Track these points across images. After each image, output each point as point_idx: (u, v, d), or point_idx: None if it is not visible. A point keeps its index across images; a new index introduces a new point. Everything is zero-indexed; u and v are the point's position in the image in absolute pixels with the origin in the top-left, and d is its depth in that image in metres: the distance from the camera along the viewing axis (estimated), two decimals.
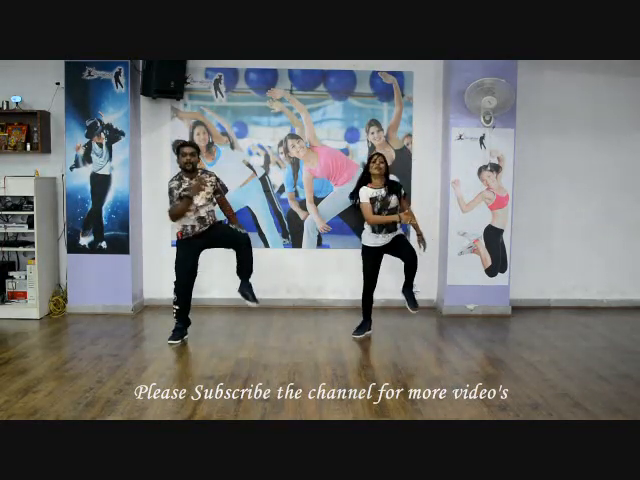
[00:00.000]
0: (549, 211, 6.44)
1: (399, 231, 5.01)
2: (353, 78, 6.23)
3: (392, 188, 4.97)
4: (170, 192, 4.81)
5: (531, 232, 6.39)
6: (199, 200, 4.80)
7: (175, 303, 4.98)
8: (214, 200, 4.99)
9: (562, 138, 6.35)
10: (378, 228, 4.91)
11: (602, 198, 6.44)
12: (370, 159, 5.00)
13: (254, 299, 4.96)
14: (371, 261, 5.03)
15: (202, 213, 4.84)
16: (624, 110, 6.35)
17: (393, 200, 4.92)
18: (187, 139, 6.20)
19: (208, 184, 4.89)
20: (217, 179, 5.01)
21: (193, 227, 4.83)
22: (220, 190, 5.04)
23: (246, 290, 4.95)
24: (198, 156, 4.92)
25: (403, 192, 5.05)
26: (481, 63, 5.78)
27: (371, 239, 4.96)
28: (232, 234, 4.94)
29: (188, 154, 4.79)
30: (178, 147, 4.91)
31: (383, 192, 4.91)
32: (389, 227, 4.91)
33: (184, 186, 4.77)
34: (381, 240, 4.93)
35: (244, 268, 4.96)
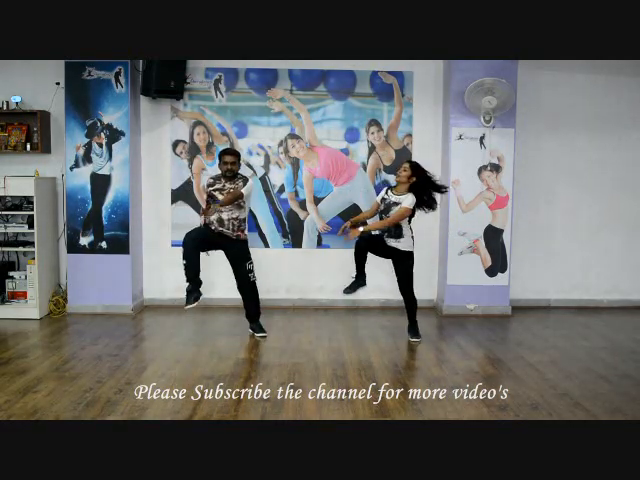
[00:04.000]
0: (549, 211, 6.44)
1: (400, 244, 4.88)
2: (353, 78, 6.23)
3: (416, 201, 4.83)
4: (203, 189, 5.04)
5: (531, 232, 6.40)
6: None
7: (183, 257, 4.91)
8: (242, 205, 5.03)
9: (562, 138, 6.36)
10: (380, 231, 4.93)
11: (602, 198, 6.44)
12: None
13: (261, 331, 5.23)
14: (376, 236, 4.96)
15: (223, 215, 4.95)
16: (624, 110, 6.35)
17: (395, 210, 4.84)
18: (187, 139, 6.22)
19: (239, 189, 4.98)
20: (251, 186, 5.08)
21: (211, 223, 4.97)
22: (243, 195, 5.00)
23: (255, 327, 5.25)
24: (239, 162, 5.12)
25: (411, 202, 4.81)
26: (481, 63, 5.78)
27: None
28: (241, 269, 5.07)
29: (229, 163, 4.98)
30: (220, 154, 5.10)
31: (393, 199, 4.86)
32: (391, 233, 4.87)
33: (217, 186, 5.01)
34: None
35: (250, 313, 5.23)
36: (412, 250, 4.95)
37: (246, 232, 5.13)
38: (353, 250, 5.03)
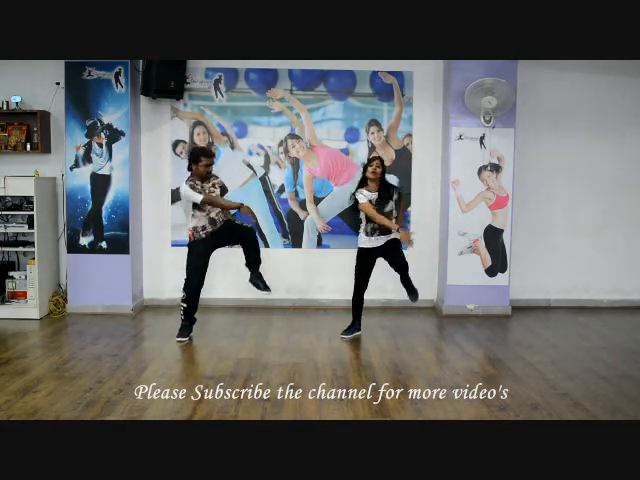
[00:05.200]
0: (549, 211, 6.43)
1: (394, 234, 5.00)
2: (353, 78, 6.23)
3: (387, 193, 4.99)
4: (192, 187, 4.80)
5: (531, 232, 6.39)
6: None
7: (183, 301, 5.00)
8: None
9: (562, 138, 6.35)
10: (371, 230, 4.96)
11: (602, 198, 6.44)
12: (368, 162, 5.05)
13: (266, 287, 5.08)
14: (364, 263, 5.06)
15: (213, 214, 4.91)
16: (624, 110, 6.34)
17: (389, 205, 4.97)
18: (187, 139, 6.21)
19: (217, 186, 5.00)
20: (222, 182, 5.15)
21: (204, 227, 4.90)
22: (224, 190, 5.16)
23: (257, 279, 5.07)
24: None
25: (399, 194, 5.08)
26: (481, 63, 5.78)
27: (365, 241, 5.01)
28: (239, 230, 5.02)
29: (209, 165, 4.88)
30: (198, 156, 4.85)
31: (375, 196, 4.95)
32: (382, 230, 4.94)
33: (198, 189, 4.83)
34: (374, 242, 4.98)
35: (252, 259, 5.06)
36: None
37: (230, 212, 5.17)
38: (352, 296, 5.14)
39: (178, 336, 5.01)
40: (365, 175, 4.99)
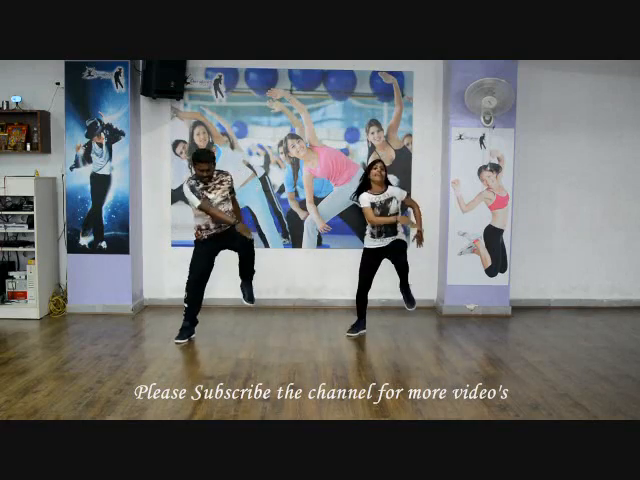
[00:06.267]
0: (549, 211, 6.43)
1: (400, 235, 5.05)
2: (353, 78, 6.23)
3: (391, 194, 5.04)
4: (192, 189, 4.75)
5: (531, 232, 6.40)
6: (216, 197, 4.83)
7: (185, 301, 4.99)
8: (228, 197, 4.97)
9: (562, 138, 6.35)
10: (377, 233, 4.99)
11: (602, 198, 6.44)
12: (371, 165, 5.06)
13: (250, 299, 5.14)
14: (368, 262, 5.09)
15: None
16: (624, 110, 6.34)
17: (393, 205, 4.99)
18: (187, 139, 6.21)
19: (224, 183, 4.92)
20: (232, 179, 5.02)
21: (208, 227, 4.85)
22: (234, 189, 5.06)
23: (245, 288, 5.14)
24: (214, 163, 4.86)
25: (405, 193, 5.16)
26: (481, 63, 5.78)
27: (371, 242, 5.05)
28: (239, 238, 4.89)
29: (205, 170, 4.74)
30: (193, 159, 4.82)
31: (382, 198, 4.98)
32: (387, 231, 4.97)
33: (201, 186, 4.79)
34: (379, 243, 5.00)
35: (247, 271, 5.11)
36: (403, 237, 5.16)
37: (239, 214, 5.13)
38: (356, 295, 5.18)
39: (177, 338, 4.99)
40: (368, 178, 5.01)
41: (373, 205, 4.96)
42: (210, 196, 4.81)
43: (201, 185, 4.81)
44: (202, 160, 4.76)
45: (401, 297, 5.34)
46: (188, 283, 4.97)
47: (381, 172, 4.98)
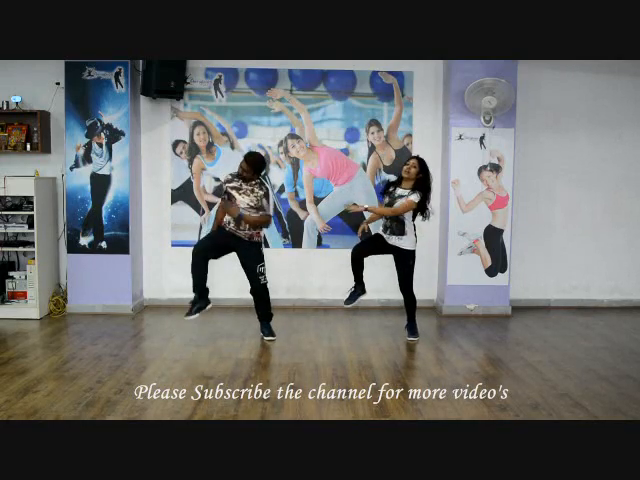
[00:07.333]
0: (549, 211, 6.44)
1: (405, 242, 4.88)
2: (353, 78, 6.23)
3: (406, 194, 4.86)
4: (224, 183, 5.06)
5: (531, 232, 6.40)
6: (241, 203, 4.90)
7: (191, 268, 4.96)
8: (256, 208, 4.95)
9: (562, 138, 6.35)
10: (383, 226, 4.97)
11: (602, 198, 6.44)
12: (407, 160, 5.03)
13: (269, 334, 5.14)
14: (372, 236, 5.11)
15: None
16: (624, 109, 6.35)
17: (399, 202, 4.85)
18: (187, 139, 6.22)
19: (253, 194, 4.92)
20: (263, 196, 4.93)
21: (229, 222, 4.96)
22: (263, 208, 4.95)
23: (264, 329, 5.17)
24: (257, 173, 4.93)
25: (412, 197, 4.81)
26: (481, 63, 5.78)
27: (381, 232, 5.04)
28: (252, 273, 4.99)
29: (244, 170, 4.86)
30: (244, 155, 4.98)
31: (398, 192, 4.88)
32: (392, 228, 4.90)
33: (234, 184, 4.94)
34: (386, 237, 4.94)
35: (260, 313, 5.17)
36: (414, 249, 4.96)
37: (261, 234, 5.09)
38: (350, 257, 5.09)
39: (187, 314, 4.98)
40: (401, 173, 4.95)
41: (388, 194, 4.93)
42: (238, 197, 4.91)
43: (233, 183, 4.94)
44: (247, 160, 4.89)
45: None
46: (193, 253, 4.95)
47: (410, 170, 4.84)
